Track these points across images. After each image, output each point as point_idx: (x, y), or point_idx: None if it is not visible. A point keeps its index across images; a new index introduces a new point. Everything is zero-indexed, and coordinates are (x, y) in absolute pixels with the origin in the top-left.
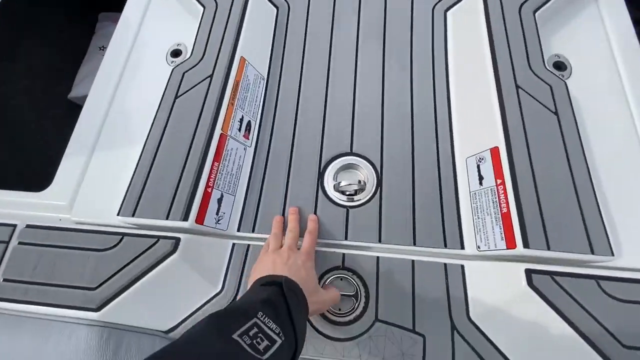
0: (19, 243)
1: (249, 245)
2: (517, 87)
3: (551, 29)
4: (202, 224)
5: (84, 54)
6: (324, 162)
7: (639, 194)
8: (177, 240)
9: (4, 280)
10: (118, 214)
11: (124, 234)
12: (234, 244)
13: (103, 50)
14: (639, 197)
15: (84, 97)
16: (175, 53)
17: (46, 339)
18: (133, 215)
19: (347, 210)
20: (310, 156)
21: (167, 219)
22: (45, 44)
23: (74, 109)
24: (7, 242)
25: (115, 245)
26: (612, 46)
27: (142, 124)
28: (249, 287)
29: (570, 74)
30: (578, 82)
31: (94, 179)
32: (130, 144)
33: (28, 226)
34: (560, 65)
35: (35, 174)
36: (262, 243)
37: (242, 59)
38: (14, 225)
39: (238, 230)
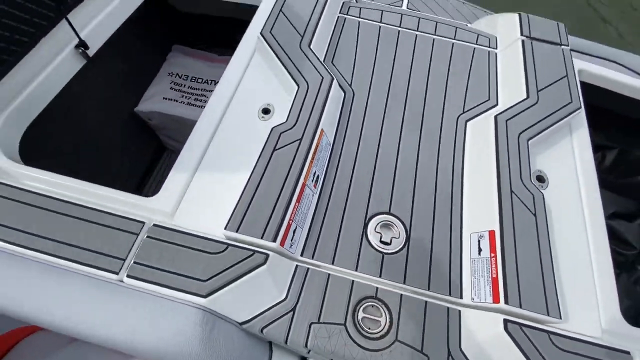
0: (147, 237)
1: (308, 269)
2: (512, 191)
3: (538, 150)
4: (282, 246)
5: (154, 76)
6: (370, 214)
7: (584, 275)
8: (267, 255)
9: (135, 262)
10: (225, 228)
11: (228, 244)
12: (297, 266)
13: (171, 75)
14: (584, 277)
15: (147, 113)
16: (265, 111)
17: (163, 313)
18: (237, 231)
19: (383, 256)
20: (360, 208)
21: (261, 238)
22: (124, 60)
23: (136, 120)
24: (137, 234)
25: (222, 252)
26: (577, 167)
27: (239, 156)
28: None
29: (548, 185)
30: (552, 193)
31: (194, 194)
32: (230, 171)
33: (155, 225)
34: (540, 178)
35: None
36: (319, 269)
37: (322, 131)
38: (143, 222)
39: (301, 255)
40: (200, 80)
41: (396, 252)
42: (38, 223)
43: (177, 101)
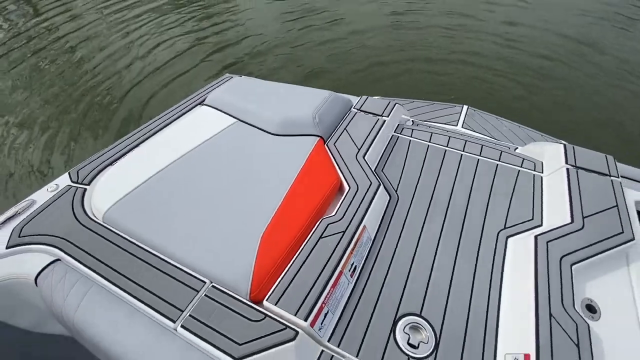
0: (205, 296)
1: (332, 357)
2: (551, 315)
3: (588, 278)
4: (312, 327)
5: None
6: (400, 313)
7: None
8: (297, 333)
9: (190, 315)
10: (267, 300)
11: (266, 315)
12: (322, 351)
13: None
14: None
15: None
16: None
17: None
18: (276, 304)
19: (408, 359)
20: (391, 304)
21: (295, 315)
22: None
23: None
24: (198, 291)
25: (259, 321)
26: (635, 300)
27: None
28: None
29: (600, 316)
30: (605, 325)
31: None
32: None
33: (213, 286)
34: (591, 308)
35: None
36: (343, 359)
37: (364, 227)
38: (204, 282)
39: (329, 340)
40: None
41: (423, 358)
42: (121, 261)
43: None
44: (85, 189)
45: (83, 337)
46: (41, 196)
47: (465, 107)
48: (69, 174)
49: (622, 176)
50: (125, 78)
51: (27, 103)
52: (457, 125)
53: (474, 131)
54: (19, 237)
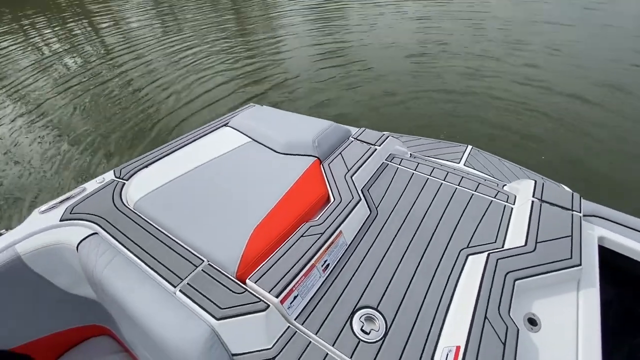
0: (202, 270)
1: (295, 332)
2: (485, 317)
3: (534, 295)
4: (282, 305)
5: None
6: (360, 305)
7: None
8: (268, 306)
9: (187, 283)
10: (249, 278)
11: (246, 289)
12: (288, 326)
13: None
14: None
15: None
16: None
17: (188, 319)
18: (256, 283)
19: (358, 342)
20: (353, 297)
21: (269, 292)
22: None
23: None
24: (197, 267)
25: (240, 293)
26: (579, 322)
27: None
28: None
29: (540, 329)
30: (544, 337)
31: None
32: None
33: (209, 264)
34: (533, 321)
35: None
36: (304, 335)
37: (340, 232)
38: (203, 260)
39: (295, 319)
40: None
41: (371, 342)
42: (142, 239)
43: None
44: (124, 183)
45: (105, 294)
46: (91, 185)
47: (469, 146)
48: (114, 171)
49: (593, 215)
50: (168, 104)
51: (85, 122)
52: (459, 163)
53: (475, 169)
54: (70, 213)
